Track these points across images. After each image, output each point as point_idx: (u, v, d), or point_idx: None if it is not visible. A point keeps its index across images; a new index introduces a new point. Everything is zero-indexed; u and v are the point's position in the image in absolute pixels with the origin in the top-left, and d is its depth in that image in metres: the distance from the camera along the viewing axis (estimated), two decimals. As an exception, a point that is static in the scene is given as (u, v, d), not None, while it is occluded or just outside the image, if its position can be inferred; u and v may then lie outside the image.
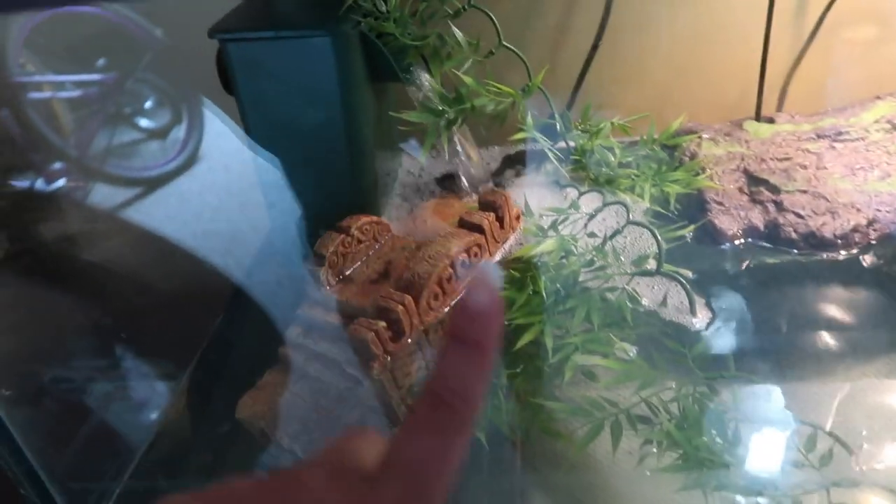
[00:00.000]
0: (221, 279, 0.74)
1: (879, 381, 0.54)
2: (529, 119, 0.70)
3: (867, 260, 0.62)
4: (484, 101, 0.70)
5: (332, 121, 0.68)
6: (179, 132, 1.04)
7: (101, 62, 1.01)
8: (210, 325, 0.68)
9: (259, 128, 0.68)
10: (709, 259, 0.66)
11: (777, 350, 0.56)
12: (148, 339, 0.65)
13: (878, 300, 0.61)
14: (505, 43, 0.72)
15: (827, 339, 0.57)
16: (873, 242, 0.64)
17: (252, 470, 0.56)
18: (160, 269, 0.84)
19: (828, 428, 0.49)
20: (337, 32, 0.64)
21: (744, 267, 0.65)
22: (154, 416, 0.59)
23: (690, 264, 0.62)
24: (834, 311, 0.60)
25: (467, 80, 0.69)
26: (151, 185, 1.02)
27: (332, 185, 0.72)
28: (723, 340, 0.57)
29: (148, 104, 1.06)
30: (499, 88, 0.70)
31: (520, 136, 0.70)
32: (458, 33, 0.70)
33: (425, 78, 0.71)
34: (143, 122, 1.07)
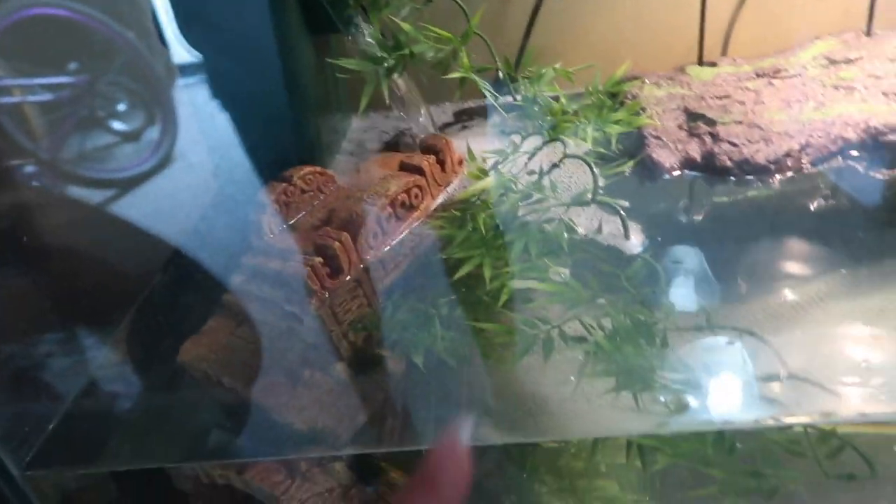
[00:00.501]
0: (165, 241, 0.74)
1: (797, 288, 0.55)
2: (466, 61, 0.71)
3: (799, 182, 0.63)
4: (423, 47, 0.71)
5: (271, 72, 0.68)
6: (153, 133, 1.03)
7: (72, 65, 1.01)
8: (149, 281, 0.68)
9: (198, 73, 0.68)
10: (646, 191, 0.67)
11: (708, 270, 0.57)
12: (83, 300, 0.65)
13: (806, 218, 0.62)
14: (442, -10, 0.73)
15: (758, 256, 0.58)
16: (806, 166, 0.65)
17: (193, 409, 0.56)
18: (114, 246, 0.83)
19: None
20: (269, -21, 0.64)
21: (678, 196, 0.65)
22: (89, 365, 0.59)
23: (627, 196, 0.63)
24: (767, 229, 0.61)
25: (405, 26, 0.70)
26: (125, 185, 1.02)
27: (275, 137, 0.72)
28: (656, 261, 0.57)
29: (121, 106, 1.05)
30: (438, 34, 0.71)
31: (455, 74, 0.70)
32: (395, -19, 0.71)
33: (364, 27, 0.72)
34: (117, 125, 1.06)
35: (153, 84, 0.84)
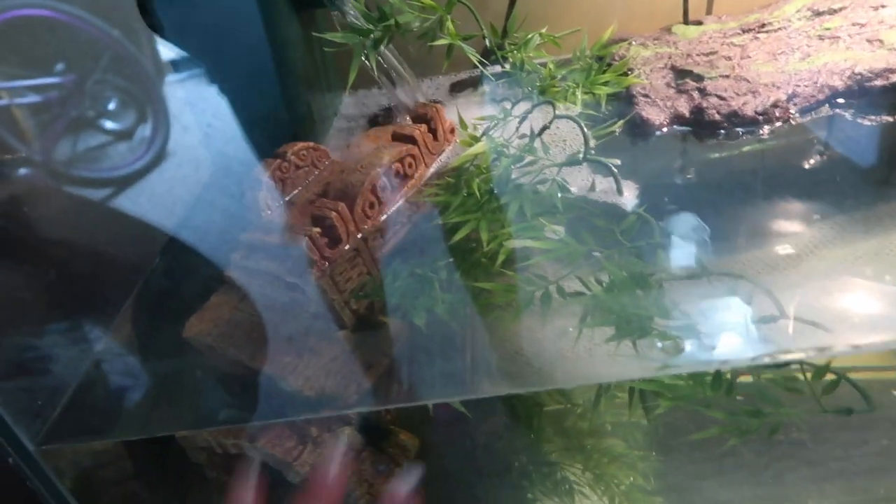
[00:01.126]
0: (164, 225, 0.75)
1: (790, 237, 0.55)
2: (452, 29, 0.71)
3: (788, 132, 0.64)
4: (409, 17, 0.71)
5: (258, 51, 0.69)
6: (145, 130, 1.03)
7: (59, 66, 1.00)
8: (148, 264, 0.69)
9: (184, 59, 0.68)
10: (637, 148, 0.67)
11: (702, 219, 0.58)
12: (85, 285, 0.66)
13: (796, 168, 0.63)
14: (425, -40, 0.73)
15: (751, 207, 0.59)
16: (794, 116, 0.66)
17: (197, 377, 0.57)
18: (111, 234, 0.84)
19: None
20: (252, -45, 0.64)
21: (669, 151, 0.66)
22: (96, 344, 0.60)
23: (619, 154, 0.64)
24: (759, 181, 0.62)
25: (389, -3, 0.70)
26: (120, 183, 1.02)
27: (266, 115, 0.72)
28: (650, 215, 0.58)
29: (111, 105, 1.05)
30: (422, 3, 0.71)
31: (441, 42, 0.70)
32: (378, -48, 0.71)
33: (349, 1, 0.72)
34: (108, 124, 1.06)
35: (142, 81, 0.84)
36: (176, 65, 0.73)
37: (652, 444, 0.76)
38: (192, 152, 0.80)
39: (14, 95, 0.96)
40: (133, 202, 0.77)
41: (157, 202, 0.77)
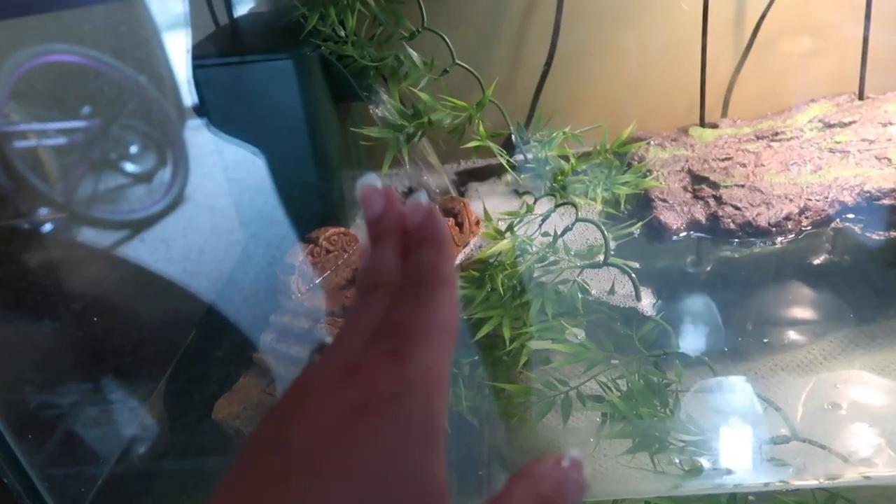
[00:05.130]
0: (197, 298, 0.77)
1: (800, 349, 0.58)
2: (482, 129, 0.75)
3: (798, 244, 0.67)
4: (440, 115, 0.75)
5: (298, 139, 0.73)
6: (165, 175, 1.08)
7: (85, 109, 1.05)
8: (185, 339, 0.72)
9: (229, 147, 0.72)
10: (654, 252, 0.70)
11: (718, 328, 0.60)
12: (125, 355, 0.68)
13: (804, 279, 0.66)
14: (458, 61, 0.78)
15: (766, 315, 0.62)
16: (806, 228, 0.69)
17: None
18: (140, 294, 0.87)
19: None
20: (297, 56, 0.68)
21: (686, 257, 0.69)
22: (133, 420, 0.62)
23: (637, 257, 0.66)
24: (771, 292, 0.64)
25: (423, 96, 0.74)
26: (138, 226, 1.05)
27: (301, 200, 0.76)
28: (667, 322, 0.61)
29: (133, 149, 1.09)
30: (454, 103, 0.75)
31: (472, 143, 0.74)
32: (414, 54, 0.75)
33: (385, 97, 0.76)
34: (129, 167, 1.10)
35: (167, 130, 0.88)
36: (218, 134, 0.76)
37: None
38: (228, 220, 0.83)
39: (42, 137, 1.00)
40: (170, 262, 0.80)
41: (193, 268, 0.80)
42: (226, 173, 0.80)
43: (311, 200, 0.76)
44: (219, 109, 0.71)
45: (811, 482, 0.44)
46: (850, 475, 0.44)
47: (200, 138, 0.85)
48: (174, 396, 0.66)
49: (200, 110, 0.73)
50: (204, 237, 0.98)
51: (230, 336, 0.70)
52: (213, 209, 0.97)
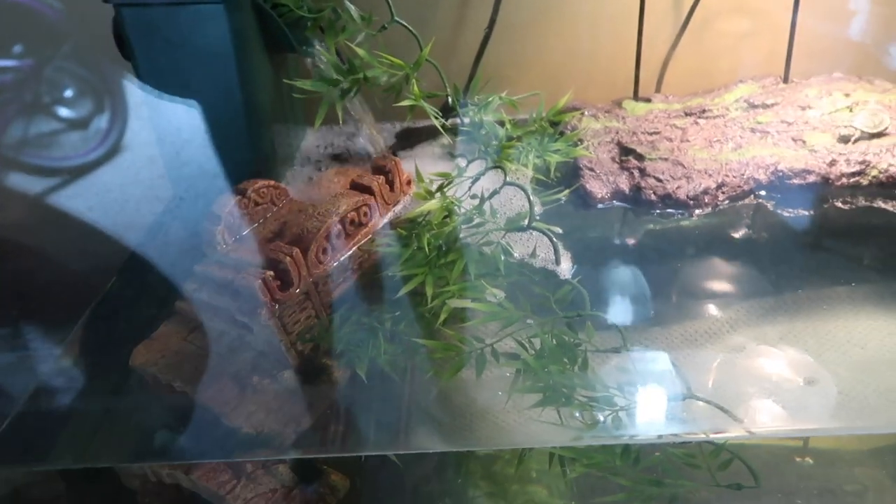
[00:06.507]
0: (121, 245, 0.76)
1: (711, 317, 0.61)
2: (417, 89, 0.75)
3: (714, 218, 0.70)
4: (377, 72, 0.75)
5: (227, 86, 0.71)
6: (101, 122, 1.03)
7: (16, 48, 1.00)
8: (104, 285, 0.70)
9: (156, 93, 0.70)
10: (578, 218, 0.72)
11: (634, 295, 0.63)
12: (40, 298, 0.66)
13: (716, 251, 0.69)
14: (397, 18, 0.77)
15: (677, 284, 0.64)
16: (722, 203, 0.72)
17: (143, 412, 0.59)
18: (61, 239, 0.84)
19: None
20: (230, 1, 0.67)
21: (607, 225, 0.71)
22: (46, 361, 0.61)
23: (561, 223, 0.68)
24: (685, 262, 0.67)
25: (360, 51, 0.73)
26: (71, 174, 1.01)
27: (230, 150, 0.74)
28: (583, 287, 0.63)
29: (68, 93, 1.05)
30: (391, 61, 0.75)
31: (406, 102, 0.74)
32: (353, 7, 0.75)
33: (321, 49, 0.75)
34: (63, 112, 1.06)
35: (105, 76, 0.85)
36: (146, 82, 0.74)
37: (573, 495, 0.80)
38: (153, 165, 0.81)
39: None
40: (90, 204, 0.78)
41: (114, 209, 0.78)
42: (157, 122, 0.78)
43: (241, 151, 0.75)
44: (146, 55, 0.69)
45: (700, 436, 0.47)
46: (736, 430, 0.47)
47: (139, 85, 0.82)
48: (91, 341, 0.65)
49: (125, 54, 0.71)
50: (141, 188, 0.95)
51: (153, 284, 0.69)
52: (152, 159, 0.95)
